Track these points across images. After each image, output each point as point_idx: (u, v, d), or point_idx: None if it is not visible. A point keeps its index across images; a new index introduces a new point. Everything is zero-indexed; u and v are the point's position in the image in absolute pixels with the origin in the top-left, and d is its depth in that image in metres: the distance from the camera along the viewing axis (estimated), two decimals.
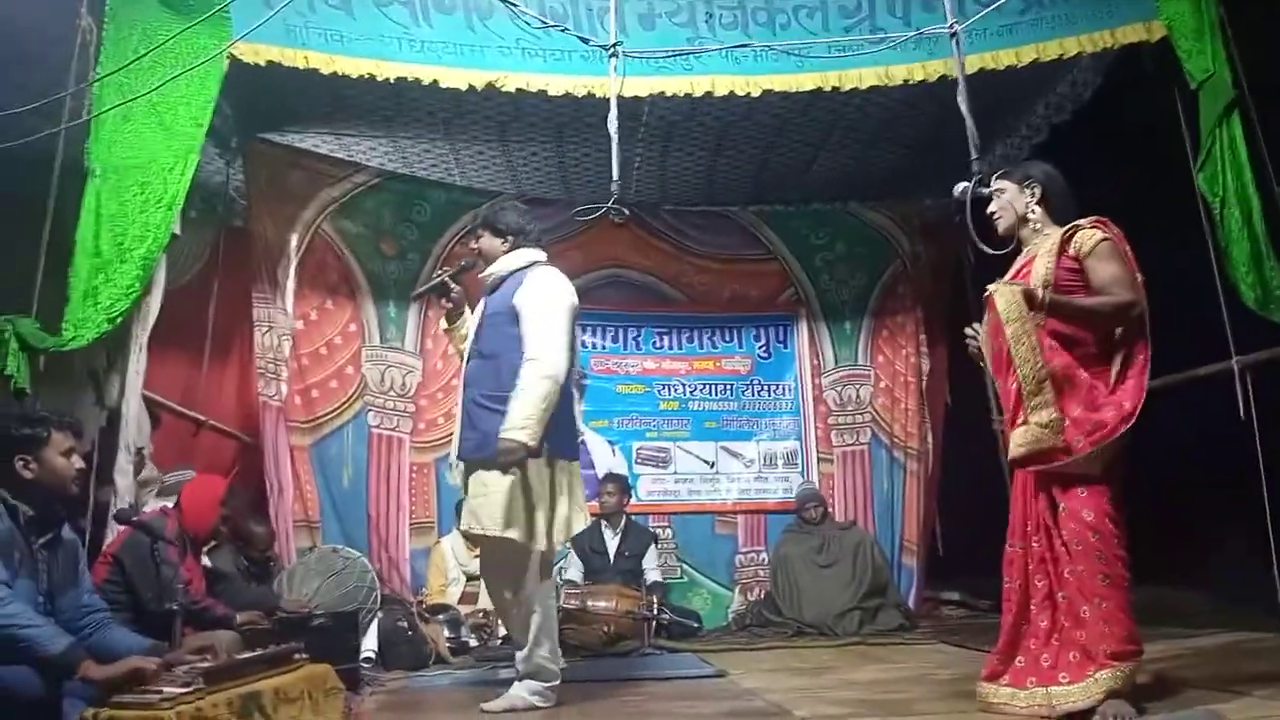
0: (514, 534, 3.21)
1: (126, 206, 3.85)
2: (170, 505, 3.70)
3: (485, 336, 3.43)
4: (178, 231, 3.99)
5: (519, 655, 3.35)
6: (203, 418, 5.14)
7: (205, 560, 4.29)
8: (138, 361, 3.91)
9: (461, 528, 3.60)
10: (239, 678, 2.74)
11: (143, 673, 2.55)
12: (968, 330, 3.11)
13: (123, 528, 3.42)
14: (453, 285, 3.65)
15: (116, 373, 3.90)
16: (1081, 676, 2.65)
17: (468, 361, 3.51)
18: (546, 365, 3.26)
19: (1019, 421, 2.77)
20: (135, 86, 3.88)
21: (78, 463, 2.91)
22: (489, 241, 3.58)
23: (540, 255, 3.58)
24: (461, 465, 3.45)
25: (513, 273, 3.50)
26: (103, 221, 3.80)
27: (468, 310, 3.70)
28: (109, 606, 3.04)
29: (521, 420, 3.19)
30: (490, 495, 3.23)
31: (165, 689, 2.49)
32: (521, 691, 3.29)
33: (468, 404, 3.41)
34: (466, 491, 3.41)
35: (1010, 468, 2.91)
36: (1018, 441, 2.74)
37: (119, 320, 3.72)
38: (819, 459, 6.47)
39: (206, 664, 2.69)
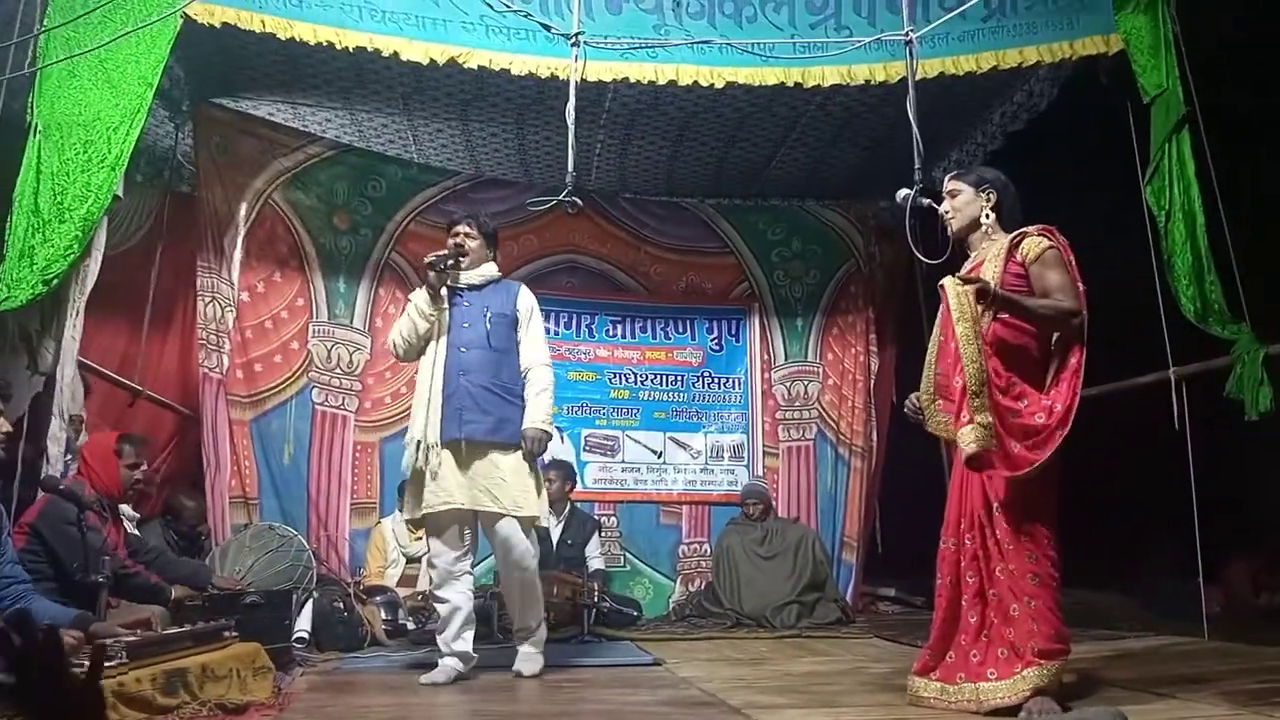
0: (535, 511, 3.71)
1: (68, 165, 3.74)
2: (75, 472, 3.61)
3: (495, 334, 3.76)
4: (120, 194, 3.88)
5: (531, 615, 3.73)
6: (139, 387, 5.01)
7: (131, 529, 4.19)
8: (74, 326, 3.79)
9: (469, 504, 3.63)
10: (164, 653, 2.69)
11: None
12: (907, 405, 3.14)
13: (40, 496, 3.32)
14: (441, 268, 3.78)
15: (51, 337, 3.78)
16: (1009, 673, 2.70)
17: (463, 350, 3.73)
18: (552, 373, 3.86)
19: (964, 420, 2.80)
20: (83, 41, 3.77)
21: (5, 425, 2.83)
22: (479, 244, 3.86)
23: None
24: (435, 445, 3.61)
25: (494, 280, 3.91)
26: (43, 179, 3.69)
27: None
28: (30, 579, 2.96)
29: (546, 415, 3.73)
30: (508, 477, 3.62)
31: (86, 662, 2.43)
32: (534, 652, 3.71)
33: (472, 389, 3.66)
34: (433, 471, 3.60)
35: (949, 463, 2.94)
36: (967, 439, 2.77)
37: (55, 282, 3.61)
38: (765, 453, 6.51)
39: (130, 638, 2.63)
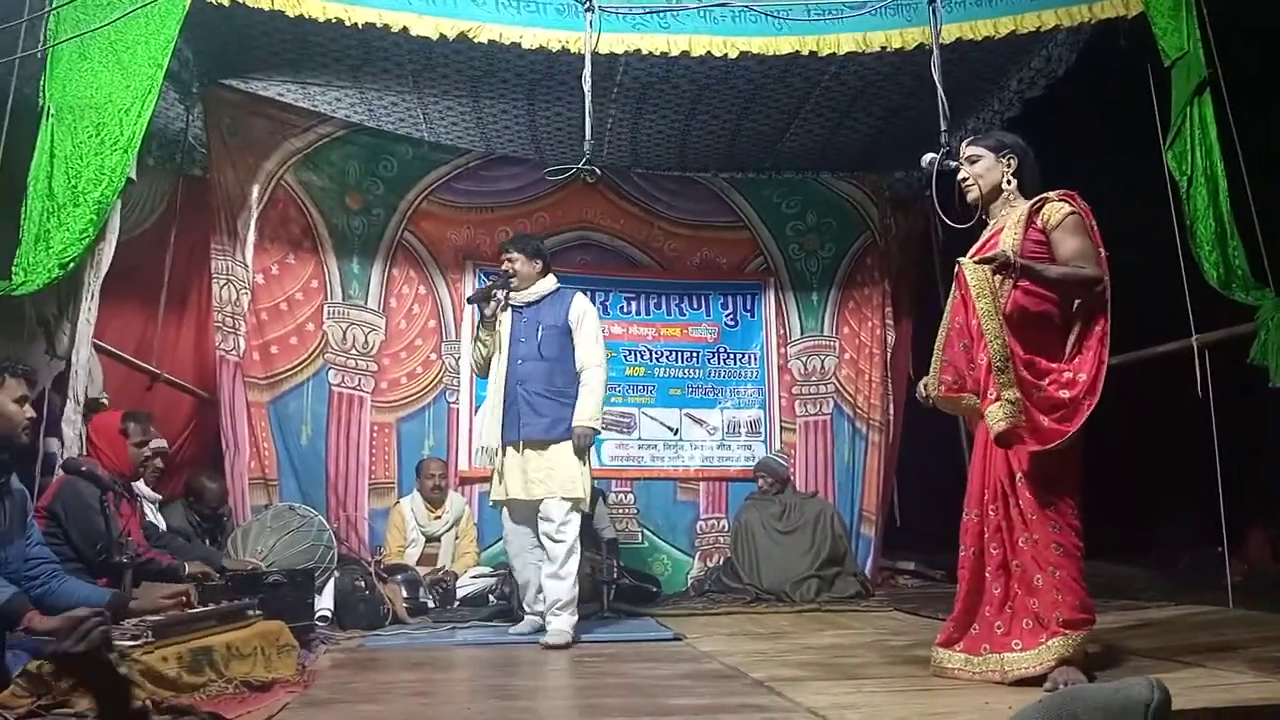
0: (579, 493, 4.08)
1: (82, 148, 3.72)
2: (84, 454, 3.62)
3: (546, 344, 4.21)
4: (134, 176, 3.86)
5: (561, 588, 4.00)
6: (157, 371, 5.02)
7: (152, 517, 4.22)
8: (89, 310, 3.79)
9: (525, 496, 4.11)
10: (190, 632, 2.71)
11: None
12: (918, 393, 3.11)
13: (57, 478, 3.34)
14: (498, 294, 4.32)
15: (68, 320, 3.78)
16: (1034, 644, 2.68)
17: (520, 361, 4.22)
18: (604, 371, 4.25)
19: (991, 398, 2.77)
20: (92, 22, 3.75)
21: (29, 411, 2.84)
22: (526, 265, 4.30)
23: (556, 280, 4.44)
24: (495, 448, 4.18)
25: (550, 294, 4.32)
26: (56, 163, 3.68)
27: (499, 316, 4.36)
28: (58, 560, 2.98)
29: (595, 412, 4.17)
30: (557, 466, 4.08)
31: (114, 641, 2.45)
32: (565, 625, 3.97)
33: (528, 395, 4.16)
34: (499, 471, 4.18)
35: (969, 438, 2.91)
36: (995, 417, 2.74)
37: (71, 266, 3.61)
38: (782, 428, 6.49)
39: (156, 618, 2.65)
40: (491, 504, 4.45)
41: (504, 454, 4.17)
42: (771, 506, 5.88)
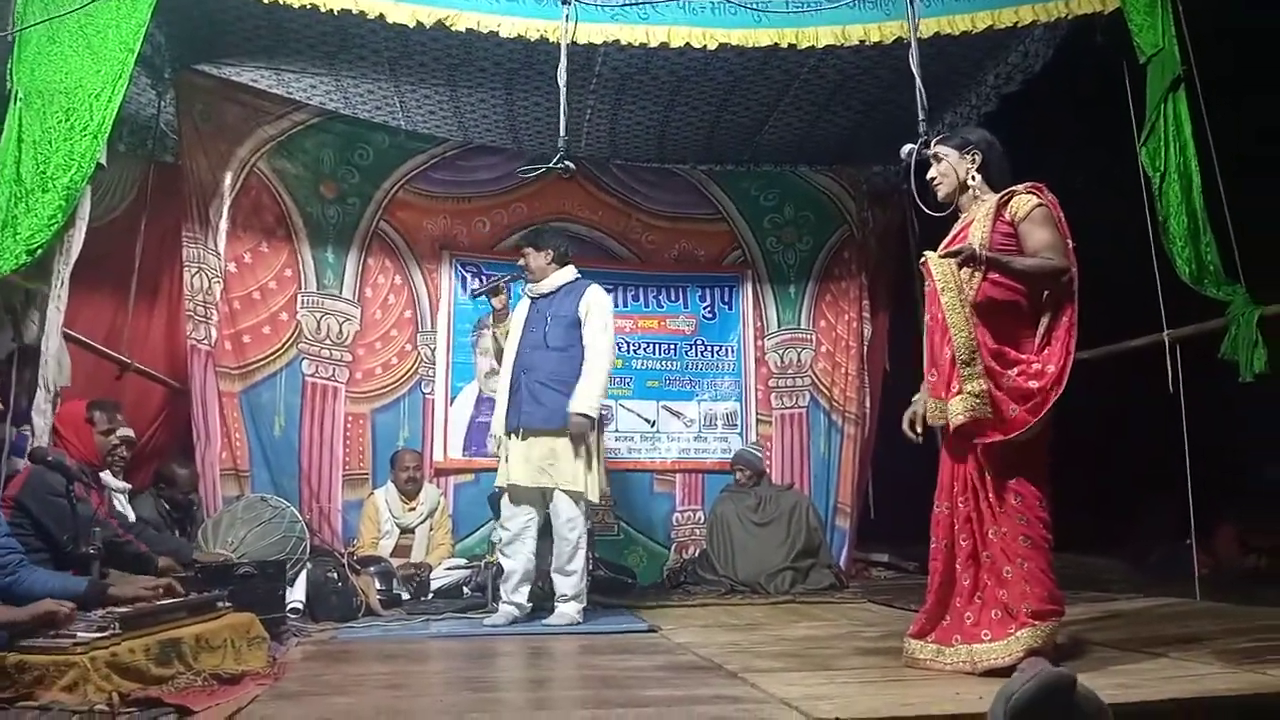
0: (581, 487, 4.18)
1: (51, 133, 3.66)
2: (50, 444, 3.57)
3: (552, 334, 4.29)
4: (104, 162, 3.80)
5: (567, 584, 4.19)
6: (127, 360, 4.95)
7: (121, 507, 4.17)
8: (58, 298, 3.73)
9: (526, 482, 4.21)
10: (159, 624, 2.68)
11: (55, 616, 2.47)
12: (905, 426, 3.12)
13: (23, 469, 3.29)
14: (504, 288, 4.61)
15: (36, 308, 3.72)
16: (1003, 634, 2.71)
17: (527, 350, 4.32)
18: (607, 361, 4.32)
19: (954, 390, 2.79)
20: (62, 5, 3.68)
21: None
22: (536, 257, 4.44)
23: (576, 271, 4.53)
24: (503, 435, 4.29)
25: (565, 285, 4.42)
26: (24, 148, 3.61)
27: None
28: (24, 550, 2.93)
29: (591, 401, 4.19)
30: (561, 458, 4.16)
31: (79, 633, 2.42)
32: (570, 610, 4.15)
33: (531, 384, 4.24)
34: (504, 455, 4.28)
35: (941, 429, 2.93)
36: (956, 410, 2.77)
37: (39, 252, 3.54)
38: (758, 420, 6.50)
39: (123, 609, 2.62)
40: (495, 488, 4.53)
41: (509, 440, 4.28)
42: (747, 499, 5.90)
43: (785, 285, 6.67)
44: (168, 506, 4.61)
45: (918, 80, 3.57)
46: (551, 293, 4.43)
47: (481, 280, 5.97)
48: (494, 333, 4.67)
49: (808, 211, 6.71)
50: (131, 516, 4.20)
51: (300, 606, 4.30)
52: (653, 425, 6.43)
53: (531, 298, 4.47)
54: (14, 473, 3.34)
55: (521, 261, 4.52)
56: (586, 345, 4.30)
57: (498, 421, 4.38)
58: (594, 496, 4.29)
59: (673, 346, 6.54)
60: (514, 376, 4.31)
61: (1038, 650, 2.65)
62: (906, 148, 3.17)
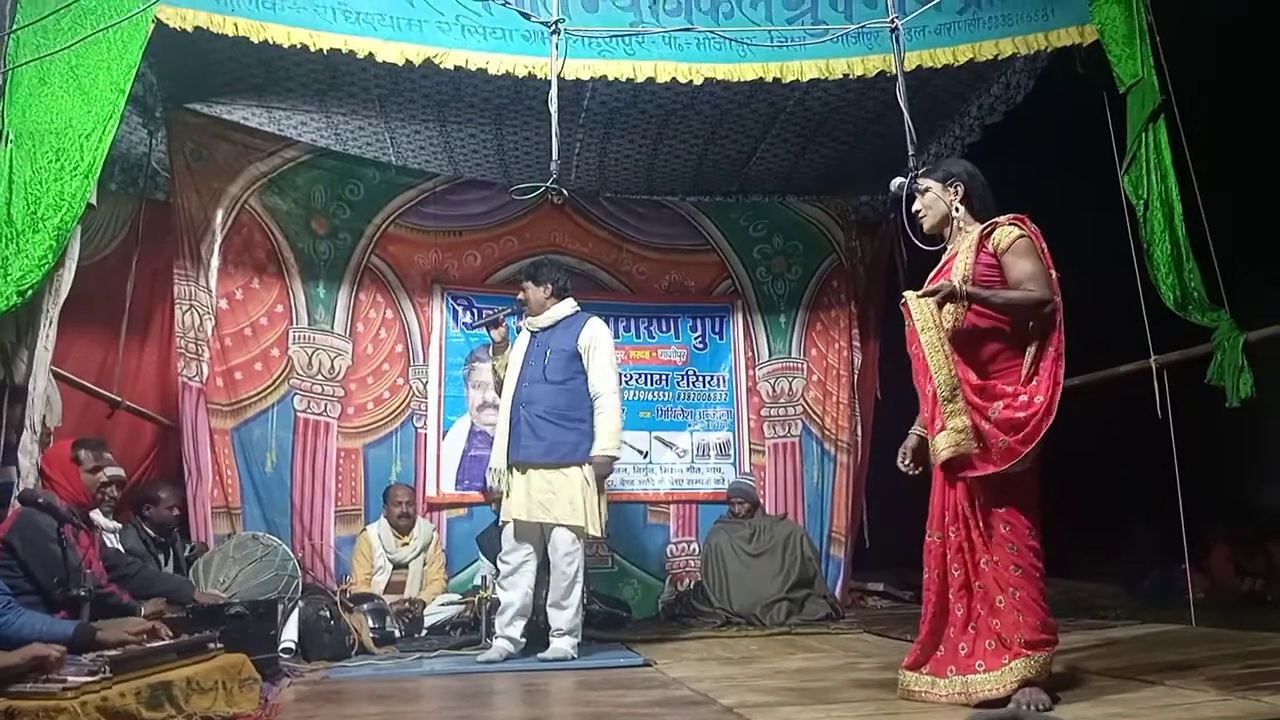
0: (580, 520, 4.16)
1: (41, 174, 3.66)
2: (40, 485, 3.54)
3: (552, 367, 4.30)
4: (94, 202, 3.82)
5: (562, 618, 4.17)
6: (118, 398, 4.94)
7: (112, 541, 4.13)
8: (47, 337, 3.73)
9: (525, 517, 4.22)
10: (148, 667, 2.66)
11: (45, 660, 2.45)
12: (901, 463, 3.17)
13: (13, 510, 3.26)
14: (503, 321, 4.66)
15: (25, 348, 3.71)
16: (997, 665, 2.70)
17: (527, 384, 4.34)
18: (620, 396, 4.36)
19: (939, 426, 2.80)
20: (53, 45, 3.71)
21: None
22: (535, 291, 4.47)
23: (575, 305, 4.54)
24: (504, 469, 4.30)
25: (565, 318, 4.44)
26: (15, 188, 3.62)
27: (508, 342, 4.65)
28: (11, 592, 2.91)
29: (614, 440, 4.28)
30: (560, 492, 4.17)
31: (69, 677, 2.40)
32: (565, 645, 4.13)
33: (530, 418, 4.26)
34: (506, 489, 4.30)
35: (934, 458, 2.94)
36: (940, 445, 2.78)
37: (29, 293, 3.54)
38: (751, 450, 6.50)
39: (114, 653, 2.60)
40: (500, 524, 4.53)
41: (510, 474, 4.31)
42: (741, 529, 5.89)
43: (775, 315, 6.70)
44: (151, 533, 4.54)
45: (906, 116, 3.62)
46: (551, 326, 4.44)
47: (474, 314, 5.99)
48: (493, 365, 4.73)
49: (796, 241, 6.75)
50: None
51: (292, 646, 4.26)
52: (645, 456, 6.42)
53: (531, 331, 4.49)
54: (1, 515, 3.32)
55: (520, 295, 4.55)
56: (596, 383, 4.31)
57: (498, 455, 4.38)
58: (595, 530, 4.27)
59: (664, 377, 6.54)
60: (513, 410, 4.32)
61: (1032, 680, 2.65)
62: (896, 181, 3.19)
